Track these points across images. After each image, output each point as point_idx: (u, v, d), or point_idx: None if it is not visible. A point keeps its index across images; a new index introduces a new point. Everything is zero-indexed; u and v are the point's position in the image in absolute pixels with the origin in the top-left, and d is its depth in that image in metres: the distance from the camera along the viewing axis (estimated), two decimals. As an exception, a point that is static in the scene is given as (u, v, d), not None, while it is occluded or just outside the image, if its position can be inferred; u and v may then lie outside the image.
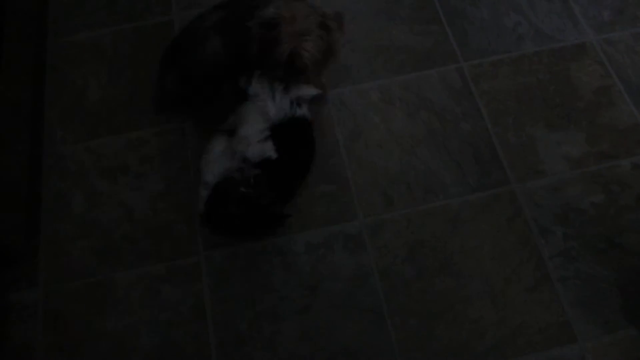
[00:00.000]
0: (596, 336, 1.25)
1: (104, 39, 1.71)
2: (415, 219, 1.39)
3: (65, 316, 1.32)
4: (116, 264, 1.37)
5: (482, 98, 1.56)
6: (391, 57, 1.63)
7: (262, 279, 1.34)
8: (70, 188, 1.48)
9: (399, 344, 1.26)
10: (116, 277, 1.36)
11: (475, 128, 1.51)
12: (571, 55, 1.61)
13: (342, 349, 1.26)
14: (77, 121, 1.57)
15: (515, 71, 1.59)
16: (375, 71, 1.60)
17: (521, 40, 1.64)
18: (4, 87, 1.52)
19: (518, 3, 1.70)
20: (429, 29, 1.67)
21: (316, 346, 1.27)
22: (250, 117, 1.33)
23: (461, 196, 1.42)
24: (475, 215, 1.40)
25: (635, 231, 1.36)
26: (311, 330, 1.28)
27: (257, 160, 1.29)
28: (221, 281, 1.34)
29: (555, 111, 1.53)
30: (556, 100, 1.54)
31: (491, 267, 1.33)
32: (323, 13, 1.35)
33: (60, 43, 1.71)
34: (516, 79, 1.58)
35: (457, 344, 1.26)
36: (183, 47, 1.44)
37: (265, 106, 1.34)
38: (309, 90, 1.41)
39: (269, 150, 1.30)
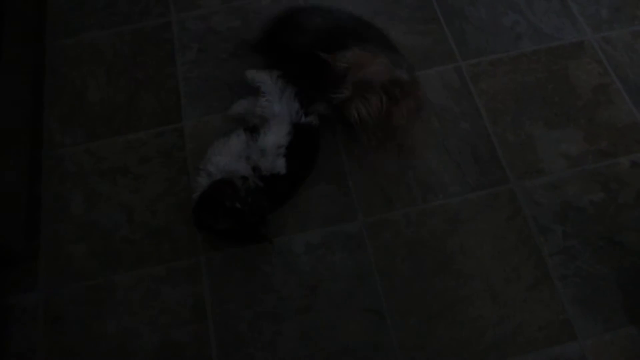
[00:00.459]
0: (596, 334, 1.25)
1: (103, 40, 1.71)
2: (414, 219, 1.39)
3: (66, 318, 1.32)
4: (116, 266, 1.38)
5: (481, 97, 1.56)
6: (390, 57, 1.63)
7: (262, 279, 1.34)
8: (70, 190, 1.48)
9: (399, 343, 1.26)
10: (116, 278, 1.36)
11: (474, 127, 1.51)
12: (569, 53, 1.61)
13: (343, 349, 1.26)
14: (76, 123, 1.58)
15: (514, 70, 1.59)
16: (374, 71, 1.60)
17: (519, 39, 1.64)
18: (3, 88, 1.52)
19: (516, 2, 1.71)
20: (428, 29, 1.67)
21: (316, 346, 1.27)
22: (274, 127, 1.34)
23: (460, 195, 1.42)
24: (474, 215, 1.40)
25: (634, 229, 1.36)
26: (311, 330, 1.28)
27: (266, 174, 1.30)
28: (221, 282, 1.34)
29: (553, 110, 1.53)
30: (555, 99, 1.54)
31: (491, 266, 1.34)
32: (395, 78, 1.21)
33: (59, 45, 1.71)
34: (515, 78, 1.58)
35: (457, 343, 1.26)
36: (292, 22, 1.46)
37: (271, 106, 1.34)
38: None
39: (280, 167, 1.32)
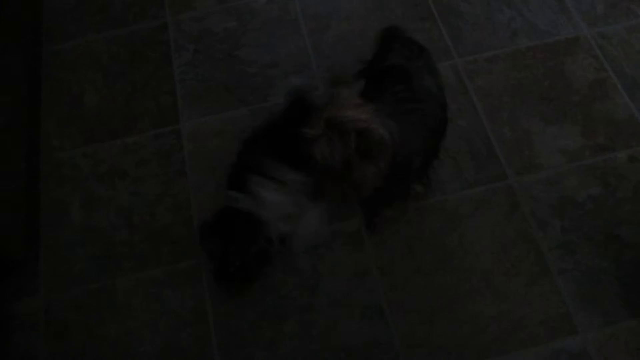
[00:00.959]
0: (597, 327, 1.25)
1: (99, 44, 1.71)
2: (413, 216, 1.40)
3: (67, 323, 1.32)
4: (116, 269, 1.37)
5: (477, 94, 1.56)
6: (386, 55, 1.63)
7: (262, 279, 1.33)
8: (69, 194, 1.48)
9: (400, 340, 1.26)
10: (117, 282, 1.36)
11: (471, 124, 1.51)
12: (565, 49, 1.62)
13: (344, 347, 1.26)
14: (73, 127, 1.58)
15: (510, 66, 1.59)
16: (370, 70, 1.61)
17: (515, 35, 1.65)
18: (0, 94, 1.53)
19: (511, -2, 1.71)
20: (423, 27, 1.67)
21: (318, 344, 1.27)
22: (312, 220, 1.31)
23: (459, 192, 1.42)
24: (473, 211, 1.40)
25: (633, 223, 1.36)
26: (312, 329, 1.28)
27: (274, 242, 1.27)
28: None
29: (550, 105, 1.53)
30: (551, 95, 1.55)
31: (490, 261, 1.34)
32: (371, 131, 1.04)
33: (56, 49, 1.71)
34: (511, 74, 1.58)
35: (458, 339, 1.26)
36: None
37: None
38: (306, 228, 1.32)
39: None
